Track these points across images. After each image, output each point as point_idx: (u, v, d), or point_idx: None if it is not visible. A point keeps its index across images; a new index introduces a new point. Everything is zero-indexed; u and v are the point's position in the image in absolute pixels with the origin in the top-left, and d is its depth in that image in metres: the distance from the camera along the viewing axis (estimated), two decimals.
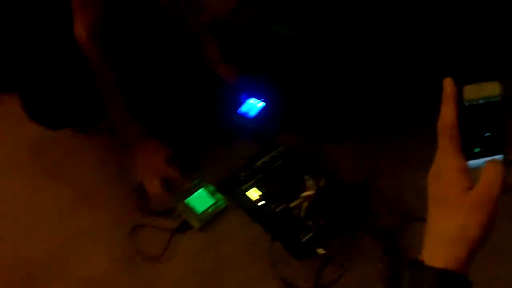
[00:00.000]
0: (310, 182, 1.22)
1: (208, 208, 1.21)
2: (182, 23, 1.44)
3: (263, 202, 1.22)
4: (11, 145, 1.44)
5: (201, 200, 1.23)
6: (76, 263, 1.15)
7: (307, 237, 1.13)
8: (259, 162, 1.32)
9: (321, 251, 1.11)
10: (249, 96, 1.49)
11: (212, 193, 1.24)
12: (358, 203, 1.21)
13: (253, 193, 1.24)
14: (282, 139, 1.40)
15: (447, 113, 0.52)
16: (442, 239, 0.51)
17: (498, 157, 0.51)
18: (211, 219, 1.21)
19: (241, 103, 1.48)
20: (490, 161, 0.51)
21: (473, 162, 0.52)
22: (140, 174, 1.26)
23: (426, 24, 1.38)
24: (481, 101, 0.52)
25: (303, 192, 1.20)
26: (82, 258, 1.16)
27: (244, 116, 1.45)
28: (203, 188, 1.25)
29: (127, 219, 1.22)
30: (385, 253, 1.11)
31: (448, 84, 0.53)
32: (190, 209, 1.21)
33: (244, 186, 1.25)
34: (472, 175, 0.51)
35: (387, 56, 1.40)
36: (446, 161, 0.52)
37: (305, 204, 1.17)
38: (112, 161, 1.37)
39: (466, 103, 0.52)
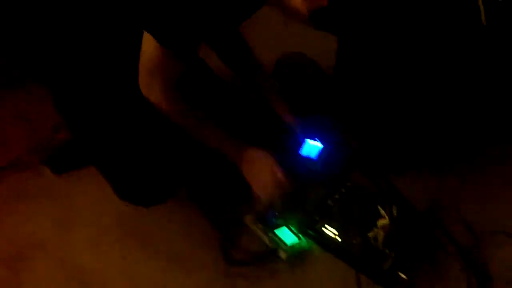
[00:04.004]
0: (382, 212, 1.28)
1: (295, 244, 1.29)
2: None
3: (340, 238, 1.28)
4: (98, 224, 1.47)
5: (288, 235, 1.31)
6: None
7: (388, 264, 1.19)
8: (329, 201, 1.38)
9: (403, 276, 1.17)
10: (306, 137, 1.51)
11: (294, 232, 1.32)
12: (432, 227, 1.27)
13: (329, 231, 1.30)
14: (352, 177, 1.46)
15: None
16: None
17: None
18: (297, 255, 1.28)
19: (300, 145, 1.50)
20: None
21: None
22: (255, 187, 1.30)
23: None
24: None
25: (377, 221, 1.26)
26: None
27: (307, 158, 1.48)
28: (284, 226, 1.32)
29: (218, 280, 1.28)
30: (467, 270, 1.17)
31: None
32: (279, 240, 1.28)
33: (319, 225, 1.32)
34: None
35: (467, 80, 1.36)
36: None
37: (381, 234, 1.23)
38: (197, 223, 1.42)
39: None
